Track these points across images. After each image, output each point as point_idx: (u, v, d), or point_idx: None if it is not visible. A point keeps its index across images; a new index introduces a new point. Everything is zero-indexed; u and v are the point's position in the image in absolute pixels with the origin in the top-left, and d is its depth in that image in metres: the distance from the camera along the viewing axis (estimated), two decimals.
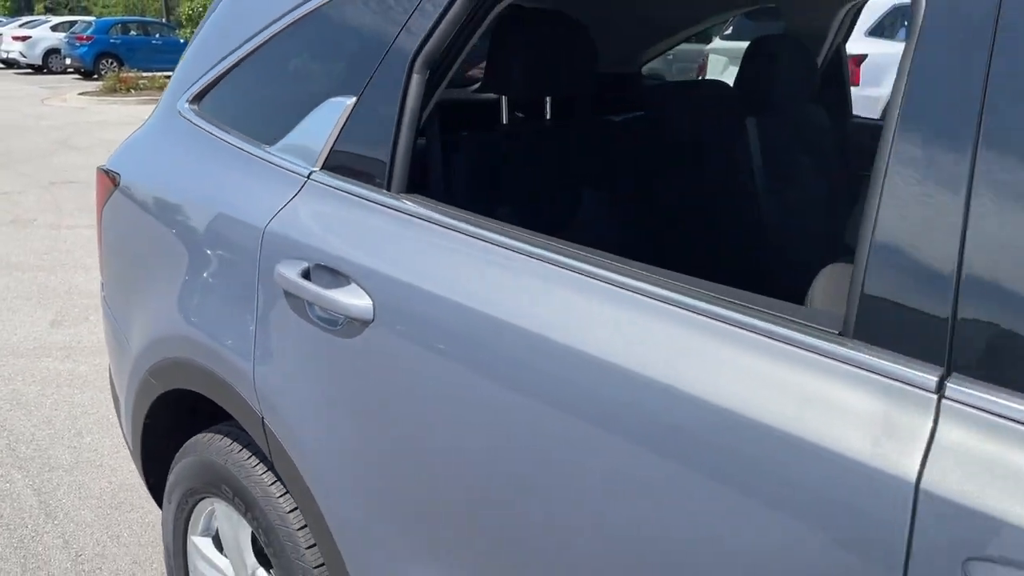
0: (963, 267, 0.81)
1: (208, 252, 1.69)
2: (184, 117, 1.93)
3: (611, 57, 2.68)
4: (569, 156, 1.93)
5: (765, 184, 2.35)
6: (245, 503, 1.69)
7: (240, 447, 1.72)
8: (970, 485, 0.76)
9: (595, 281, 1.11)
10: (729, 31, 9.03)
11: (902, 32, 8.56)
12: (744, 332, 0.96)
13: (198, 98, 1.93)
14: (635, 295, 1.07)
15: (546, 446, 1.10)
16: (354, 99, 1.51)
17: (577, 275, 1.14)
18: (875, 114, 8.13)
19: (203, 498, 1.87)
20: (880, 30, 8.31)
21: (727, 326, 0.98)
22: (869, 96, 8.03)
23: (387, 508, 1.37)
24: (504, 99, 1.90)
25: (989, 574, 0.74)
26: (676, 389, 0.98)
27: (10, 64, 26.19)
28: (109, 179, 2.07)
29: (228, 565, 1.88)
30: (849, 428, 0.85)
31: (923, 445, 0.80)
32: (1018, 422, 0.77)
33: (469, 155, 1.78)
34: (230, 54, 1.84)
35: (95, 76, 21.87)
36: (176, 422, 1.94)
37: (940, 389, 0.82)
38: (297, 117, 1.63)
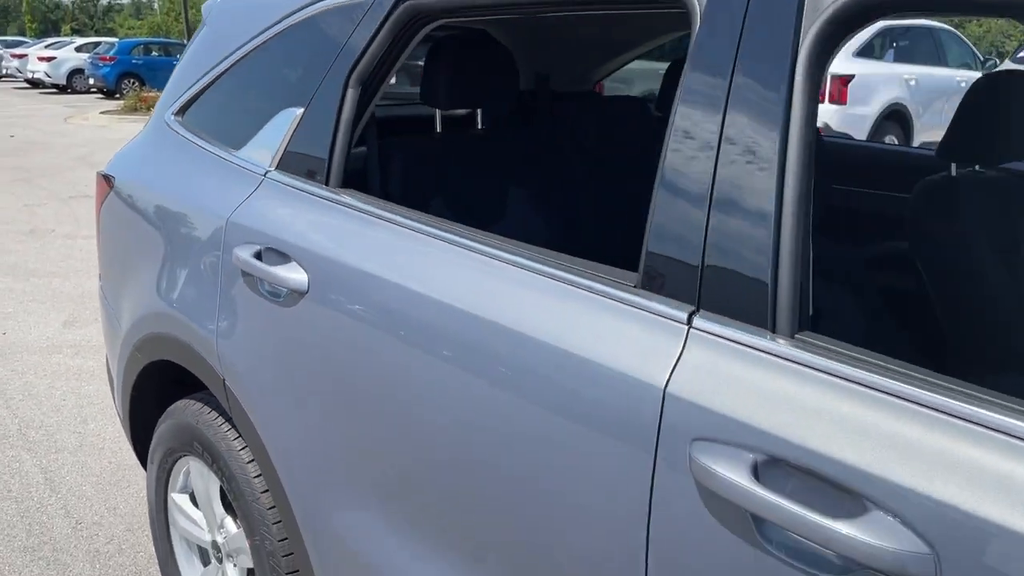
0: (708, 238, 1.08)
1: (183, 241, 1.98)
2: (170, 127, 2.23)
3: (563, 76, 2.96)
4: (494, 160, 2.21)
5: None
6: (212, 457, 1.97)
7: (210, 410, 2.00)
8: (700, 388, 1.03)
9: (486, 258, 1.38)
10: None
11: (890, 53, 8.80)
12: (569, 288, 1.23)
13: (181, 111, 2.22)
14: (514, 268, 1.33)
15: (445, 390, 1.37)
16: (302, 110, 1.79)
17: (475, 253, 1.41)
18: (863, 131, 8.35)
19: (180, 457, 2.14)
20: (869, 51, 8.56)
21: (560, 284, 1.25)
22: (856, 114, 8.27)
23: (325, 454, 1.64)
24: (437, 111, 2.19)
25: (706, 448, 1.00)
26: (525, 334, 1.25)
27: (36, 84, 26.91)
28: (106, 182, 2.37)
29: (201, 517, 2.16)
30: (628, 352, 1.11)
31: (672, 361, 1.07)
32: (740, 343, 1.03)
33: (403, 159, 2.07)
34: (207, 73, 2.14)
35: (117, 96, 22.46)
36: (159, 393, 2.22)
37: (690, 321, 1.08)
38: (259, 126, 1.91)
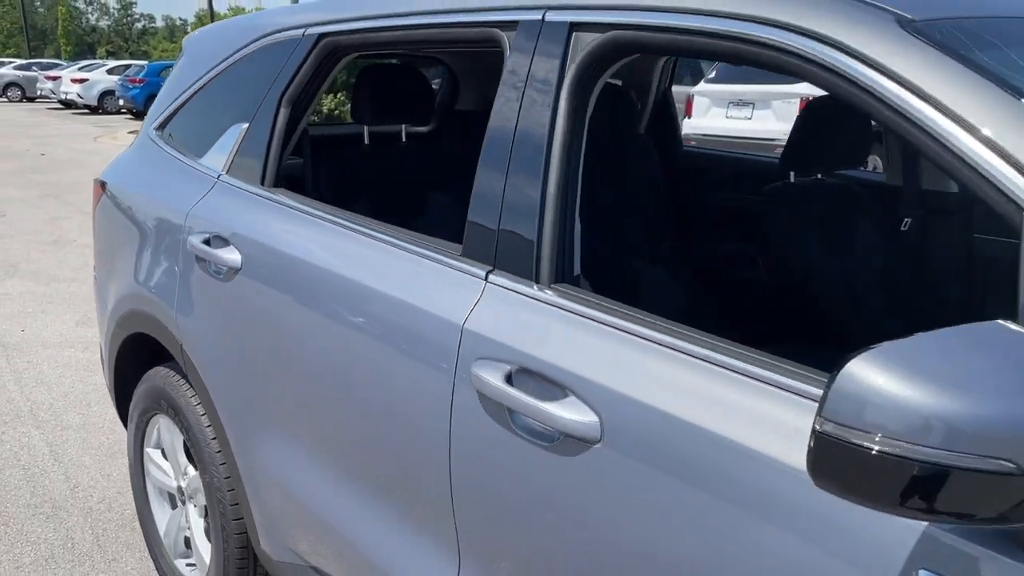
0: (501, 216, 1.47)
1: (154, 233, 2.40)
2: (151, 140, 2.66)
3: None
4: (414, 169, 2.62)
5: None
6: (176, 412, 2.37)
7: (175, 374, 2.41)
8: (484, 324, 1.42)
9: (367, 238, 1.78)
10: (712, 75, 9.67)
11: None
12: (419, 258, 1.63)
13: (161, 126, 2.65)
14: (386, 245, 1.73)
15: (330, 337, 1.76)
16: (248, 125, 2.21)
17: (359, 235, 1.80)
18: None
19: (152, 415, 2.55)
20: None
21: (414, 256, 1.65)
22: None
23: (253, 400, 2.04)
24: (365, 128, 2.61)
25: (482, 364, 1.39)
26: (383, 292, 1.65)
27: (68, 104, 27.84)
28: (100, 187, 2.80)
29: (169, 467, 2.56)
30: (446, 301, 1.51)
31: (471, 307, 1.46)
32: (513, 291, 1.42)
33: (328, 166, 2.49)
34: (180, 95, 2.57)
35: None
36: (137, 363, 2.63)
37: (487, 277, 1.48)
38: (216, 138, 2.33)
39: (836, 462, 0.82)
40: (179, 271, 2.25)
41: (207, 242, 2.13)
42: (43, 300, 5.86)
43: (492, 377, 1.36)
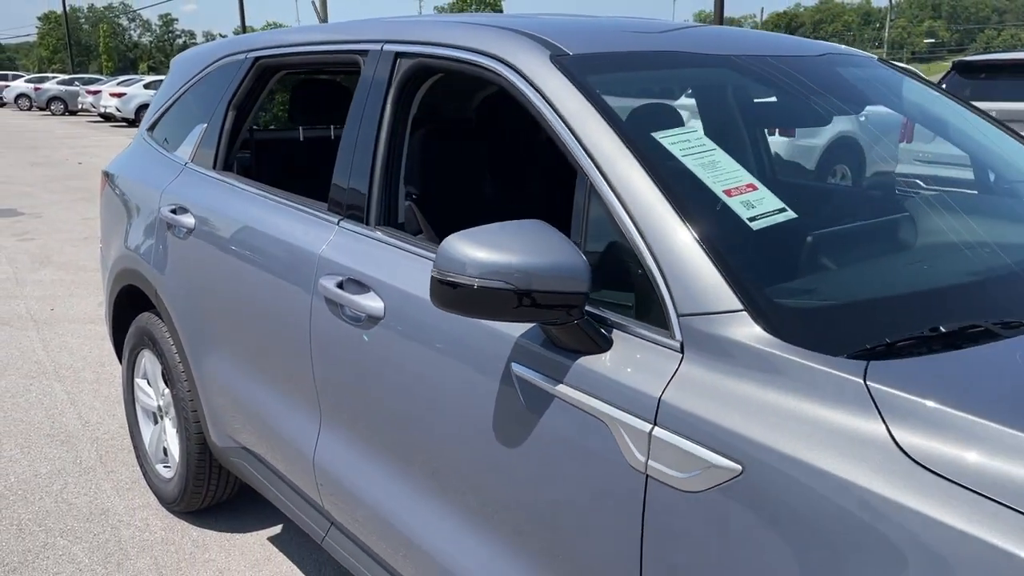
0: (350, 176, 2.18)
1: (139, 208, 3.14)
2: (143, 139, 3.41)
3: (448, 107, 4.07)
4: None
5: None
6: (155, 344, 3.10)
7: (156, 316, 3.14)
8: (331, 253, 2.13)
9: (277, 203, 2.49)
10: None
11: None
12: (304, 214, 2.34)
13: (150, 128, 3.40)
14: (290, 207, 2.44)
15: (248, 269, 2.48)
16: (206, 124, 2.95)
17: (271, 201, 2.51)
18: (812, 161, 9.26)
19: (140, 351, 3.29)
20: None
21: (310, 215, 2.35)
22: (804, 145, 9.20)
23: (203, 325, 2.75)
24: (300, 128, 3.34)
25: (325, 279, 2.10)
26: (279, 239, 2.36)
27: (108, 118, 29.13)
28: (105, 176, 3.55)
29: (152, 391, 3.30)
30: (313, 238, 2.22)
31: (325, 243, 2.17)
32: (351, 231, 2.13)
33: (271, 157, 3.22)
34: (164, 103, 3.32)
35: None
36: (128, 311, 3.37)
37: (339, 223, 2.18)
38: (186, 135, 3.07)
39: (449, 295, 1.50)
40: (155, 235, 2.99)
41: (173, 211, 2.87)
42: (71, 286, 6.67)
43: (330, 284, 2.07)
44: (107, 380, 4.62)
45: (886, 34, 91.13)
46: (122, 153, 3.60)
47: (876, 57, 2.65)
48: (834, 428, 1.20)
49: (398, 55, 2.18)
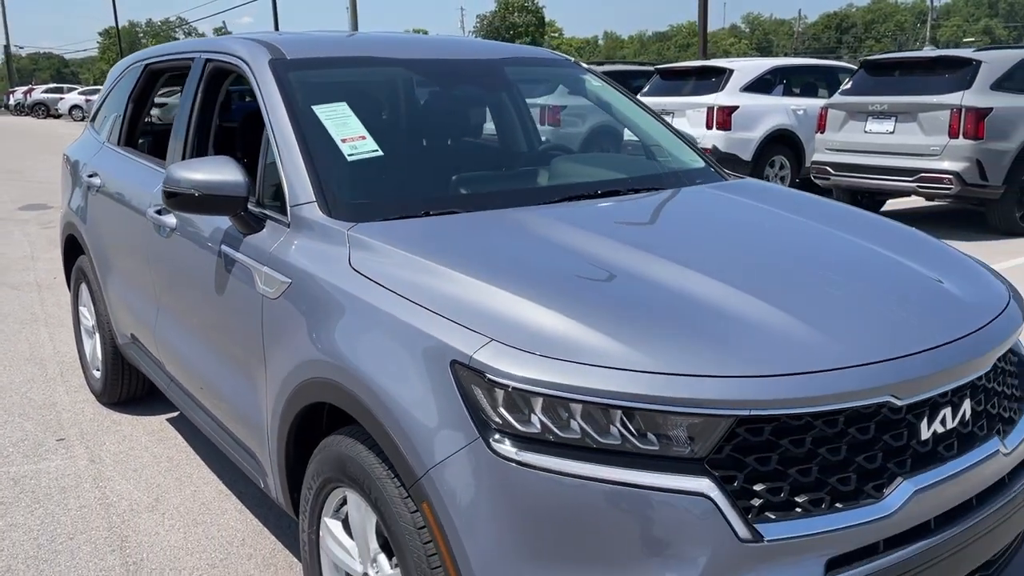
0: (181, 148, 3.26)
1: (74, 178, 4.28)
2: (88, 128, 4.56)
3: None
4: None
5: None
6: (86, 278, 4.22)
7: (86, 258, 4.27)
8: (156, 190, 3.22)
9: (152, 166, 3.59)
10: (848, 86, 9.46)
11: (779, 88, 10.57)
12: (151, 167, 3.44)
13: (92, 120, 4.55)
14: (155, 167, 3.53)
15: (129, 219, 3.57)
16: (118, 112, 4.07)
17: (150, 166, 3.61)
18: (748, 153, 10.11)
19: (81, 284, 4.42)
20: (759, 86, 10.36)
21: (151, 166, 3.45)
22: (740, 138, 10.07)
23: (106, 255, 3.85)
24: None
25: (158, 210, 3.19)
26: (140, 188, 3.45)
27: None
28: (64, 158, 4.70)
29: (89, 314, 4.43)
30: (154, 187, 3.30)
31: (156, 189, 3.26)
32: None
33: (161, 137, 4.33)
34: (100, 100, 4.46)
35: None
36: (72, 255, 4.50)
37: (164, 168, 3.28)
38: (107, 122, 4.20)
39: (172, 201, 2.53)
40: (82, 196, 4.12)
41: (91, 176, 3.99)
42: None
43: (152, 212, 3.15)
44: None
45: (927, 32, 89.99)
46: (76, 140, 4.76)
47: (572, 59, 3.64)
48: (331, 255, 2.23)
49: (207, 60, 3.25)
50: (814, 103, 10.32)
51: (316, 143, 2.57)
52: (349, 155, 2.57)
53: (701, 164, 3.20)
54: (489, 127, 3.44)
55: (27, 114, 47.08)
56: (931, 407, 1.85)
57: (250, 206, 2.55)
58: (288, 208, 2.47)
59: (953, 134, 7.90)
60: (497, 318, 1.82)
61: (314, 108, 2.70)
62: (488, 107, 3.38)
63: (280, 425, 2.31)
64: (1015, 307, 2.19)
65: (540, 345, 1.73)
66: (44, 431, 4.04)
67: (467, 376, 1.74)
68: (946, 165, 7.96)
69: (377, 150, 2.61)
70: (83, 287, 4.40)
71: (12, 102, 52.43)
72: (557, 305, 1.84)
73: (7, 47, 72.14)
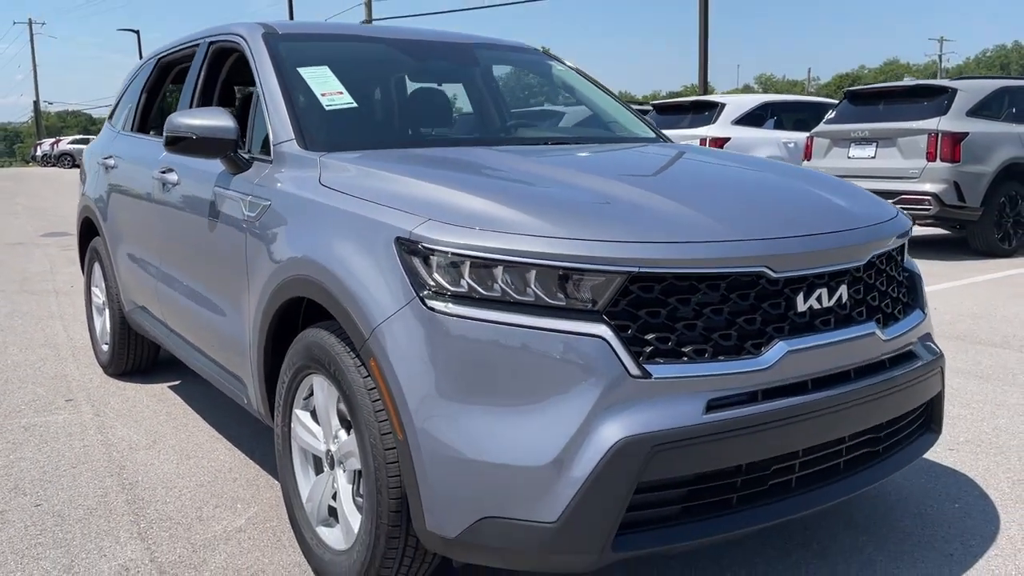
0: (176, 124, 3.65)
1: (94, 164, 4.68)
2: (106, 123, 4.97)
3: None
4: None
5: None
6: (99, 256, 4.59)
7: (101, 239, 4.65)
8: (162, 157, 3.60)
9: (155, 143, 3.98)
10: (832, 115, 9.81)
11: (770, 122, 10.97)
12: (150, 141, 3.83)
13: (110, 116, 4.96)
14: (153, 141, 3.92)
15: (138, 193, 3.94)
16: (133, 104, 4.48)
17: (154, 143, 3.99)
18: None
19: (94, 265, 4.79)
20: (751, 119, 10.76)
21: (152, 141, 3.84)
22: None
23: (119, 229, 4.21)
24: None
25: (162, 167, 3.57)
26: (147, 156, 3.84)
27: None
28: (83, 156, 5.11)
29: (100, 293, 4.78)
30: (156, 155, 3.68)
31: (161, 152, 3.64)
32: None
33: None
34: (117, 99, 4.88)
35: None
36: (87, 238, 4.88)
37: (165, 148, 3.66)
38: (124, 114, 4.61)
39: (173, 145, 2.90)
40: (96, 180, 4.51)
41: (106, 159, 4.39)
42: None
43: (157, 172, 3.52)
44: None
45: None
46: (99, 137, 5.18)
47: (539, 49, 4.03)
48: (305, 177, 2.58)
49: (211, 44, 3.65)
50: (803, 136, 10.69)
51: (298, 95, 2.94)
52: (327, 106, 2.94)
53: (652, 135, 3.55)
54: (463, 107, 3.82)
55: (54, 164, 48.33)
56: (809, 286, 2.15)
57: (240, 152, 2.92)
58: (272, 147, 2.82)
59: (931, 157, 8.24)
60: (433, 203, 2.16)
61: (299, 70, 3.07)
62: (459, 81, 3.75)
63: (261, 325, 2.63)
64: (898, 222, 2.50)
65: (468, 220, 2.05)
66: (54, 394, 4.36)
67: (407, 247, 2.07)
68: (925, 187, 8.28)
69: (352, 103, 2.98)
70: (96, 267, 4.76)
71: (39, 153, 53.88)
72: (485, 194, 2.18)
73: (36, 103, 74.28)
